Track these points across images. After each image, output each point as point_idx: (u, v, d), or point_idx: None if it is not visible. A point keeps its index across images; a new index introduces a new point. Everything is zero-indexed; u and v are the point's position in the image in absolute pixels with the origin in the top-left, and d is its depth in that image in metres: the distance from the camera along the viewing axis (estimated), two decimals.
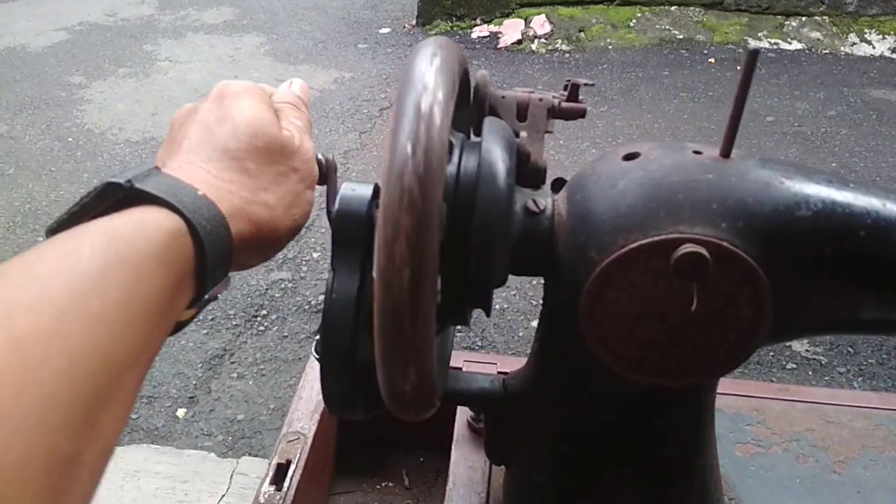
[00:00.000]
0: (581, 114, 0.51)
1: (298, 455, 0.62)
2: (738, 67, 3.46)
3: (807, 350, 1.97)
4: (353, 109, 3.06)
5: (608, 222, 0.42)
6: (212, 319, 1.95)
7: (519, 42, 3.62)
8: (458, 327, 1.89)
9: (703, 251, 0.39)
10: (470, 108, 0.49)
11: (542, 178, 0.48)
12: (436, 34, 3.73)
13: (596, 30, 3.69)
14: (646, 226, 0.41)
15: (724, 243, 0.40)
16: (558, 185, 0.49)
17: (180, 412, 1.68)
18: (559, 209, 0.45)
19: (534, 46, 3.61)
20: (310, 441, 0.63)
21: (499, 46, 3.62)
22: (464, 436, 0.65)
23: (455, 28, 3.78)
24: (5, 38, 3.80)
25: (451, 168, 0.42)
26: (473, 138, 0.47)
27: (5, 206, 2.43)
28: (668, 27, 3.71)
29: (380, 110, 3.06)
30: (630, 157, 0.44)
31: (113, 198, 0.37)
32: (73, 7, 4.25)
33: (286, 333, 1.88)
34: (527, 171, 0.47)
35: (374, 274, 0.36)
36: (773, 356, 1.94)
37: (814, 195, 0.42)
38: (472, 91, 0.50)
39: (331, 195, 0.47)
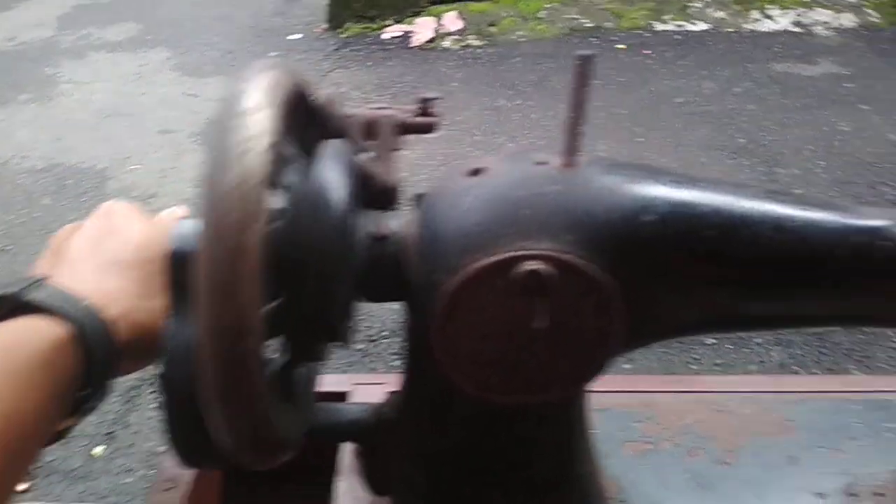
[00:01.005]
0: (429, 128, 0.49)
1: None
2: (647, 52, 3.53)
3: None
4: None
5: (453, 243, 0.40)
6: None
7: (432, 40, 3.61)
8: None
9: (544, 266, 0.38)
10: (315, 130, 0.48)
11: (393, 199, 0.47)
12: (347, 37, 3.70)
13: (507, 23, 3.70)
14: (490, 244, 0.39)
15: (569, 256, 0.39)
16: (419, 200, 0.48)
17: (97, 450, 1.62)
18: (409, 232, 0.43)
19: (446, 44, 3.61)
20: (184, 487, 0.60)
21: (411, 46, 3.60)
22: (349, 466, 0.63)
23: (366, 30, 3.74)
24: None
25: (286, 201, 0.40)
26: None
27: None
28: (576, 16, 3.75)
29: None
30: (475, 172, 0.43)
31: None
32: None
33: None
34: (375, 194, 0.45)
35: (196, 317, 0.34)
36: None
37: (660, 198, 0.41)
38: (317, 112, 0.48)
39: None
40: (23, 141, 2.93)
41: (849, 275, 0.42)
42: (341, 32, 3.73)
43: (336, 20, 3.76)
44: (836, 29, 3.77)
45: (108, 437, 1.65)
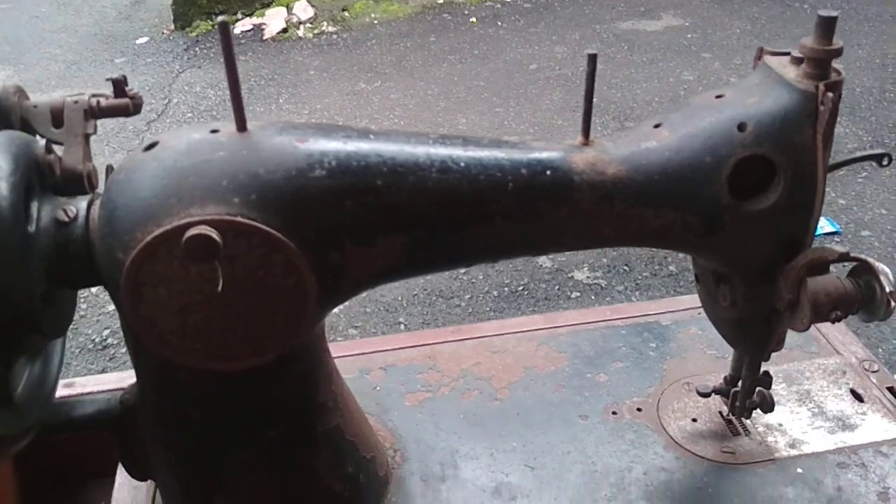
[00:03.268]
0: (126, 109, 0.49)
1: None
2: (499, 23, 3.59)
3: (587, 277, 2.09)
4: (117, 128, 2.89)
5: (127, 219, 0.41)
6: None
7: (284, 31, 3.55)
8: None
9: (210, 231, 0.39)
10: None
11: (88, 184, 0.46)
12: (197, 35, 3.59)
13: (359, 7, 3.69)
14: (160, 215, 0.40)
15: (238, 218, 0.40)
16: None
17: None
18: (93, 214, 0.43)
19: (300, 33, 3.56)
20: None
21: (264, 38, 3.54)
22: None
23: (216, 26, 3.65)
24: None
25: None
26: None
27: None
28: None
29: (147, 123, 2.91)
30: (149, 147, 0.43)
31: None
32: None
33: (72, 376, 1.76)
34: (61, 180, 0.45)
35: None
36: (558, 289, 2.04)
37: (330, 153, 0.42)
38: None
39: None
40: None
41: (520, 204, 0.44)
42: (190, 31, 3.63)
43: (183, 19, 3.65)
44: None
45: None
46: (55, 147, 0.46)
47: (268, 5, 3.69)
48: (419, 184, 0.43)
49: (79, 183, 0.45)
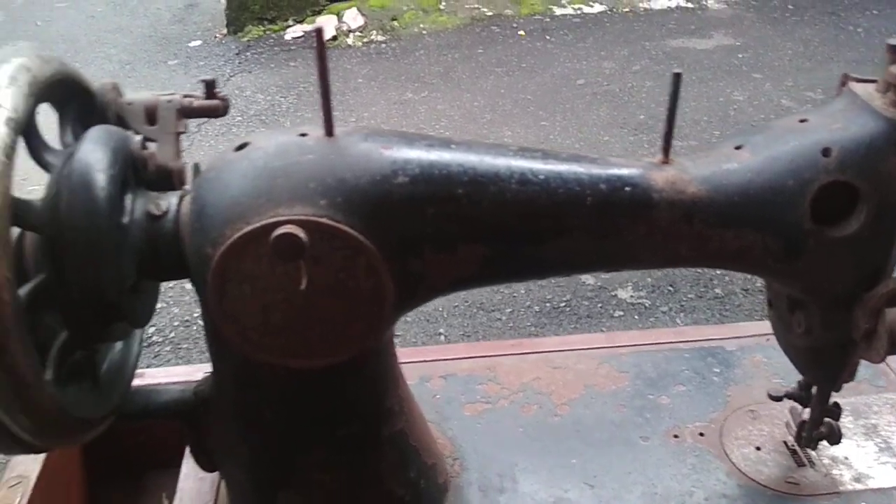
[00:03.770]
0: (216, 110, 0.50)
1: (18, 500, 0.59)
2: (548, 37, 3.59)
3: (631, 296, 2.07)
4: None
5: (216, 216, 0.42)
6: None
7: (334, 38, 3.59)
8: None
9: (297, 230, 0.39)
10: (94, 118, 0.48)
11: (178, 180, 0.48)
12: (248, 40, 3.65)
13: (408, 17, 3.72)
14: (248, 214, 0.41)
15: (324, 220, 0.40)
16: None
17: None
18: (184, 209, 0.44)
19: (349, 41, 3.60)
20: (32, 482, 0.60)
21: (314, 45, 3.58)
22: None
23: (268, 31, 3.71)
24: None
25: (50, 186, 0.42)
26: None
27: None
28: (476, 5, 3.79)
29: (197, 125, 2.96)
30: (240, 147, 0.44)
31: None
32: None
33: None
34: (154, 175, 0.46)
35: None
36: (601, 307, 2.03)
37: (413, 160, 0.43)
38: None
39: None
40: None
41: (599, 220, 0.44)
42: (242, 36, 3.69)
43: (236, 24, 3.71)
44: (727, 2, 3.90)
45: None
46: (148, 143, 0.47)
47: (319, 12, 3.74)
48: (499, 195, 0.43)
49: (169, 179, 0.46)
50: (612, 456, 0.59)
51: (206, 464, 0.54)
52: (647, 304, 2.05)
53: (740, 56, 3.36)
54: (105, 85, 0.48)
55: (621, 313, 2.02)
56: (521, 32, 3.61)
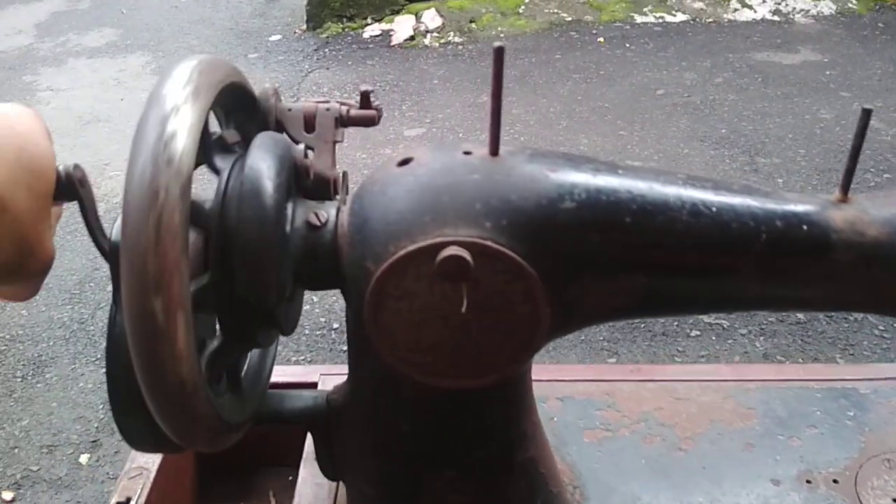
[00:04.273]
0: (371, 120, 0.50)
1: (139, 491, 0.59)
2: (627, 45, 3.54)
3: (709, 316, 2.02)
4: None
5: (380, 231, 0.41)
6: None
7: (412, 38, 3.61)
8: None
9: (464, 253, 0.39)
10: (255, 124, 0.48)
11: (333, 190, 0.47)
12: (327, 37, 3.69)
13: (486, 19, 3.71)
14: (413, 232, 0.40)
15: (489, 242, 0.39)
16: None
17: (83, 458, 1.62)
18: (342, 220, 0.44)
19: (427, 41, 3.61)
20: (153, 475, 0.60)
21: (392, 44, 3.61)
22: (313, 453, 0.64)
23: (346, 29, 3.74)
24: None
25: (219, 187, 0.41)
26: None
27: None
28: (556, 10, 3.76)
29: None
30: (403, 162, 0.43)
31: None
32: None
33: None
34: (312, 184, 0.46)
35: (122, 306, 0.35)
36: (677, 326, 1.98)
37: (579, 184, 0.42)
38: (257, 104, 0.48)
39: (88, 215, 0.42)
40: None
41: (771, 258, 0.42)
42: (321, 32, 3.73)
43: (315, 20, 3.76)
44: (815, 17, 3.78)
45: (94, 444, 1.65)
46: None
47: (397, 12, 3.76)
48: (668, 224, 0.41)
49: (327, 188, 0.46)
50: (742, 498, 0.57)
51: (330, 473, 0.54)
52: (724, 325, 1.99)
53: (828, 73, 3.26)
54: (267, 90, 0.48)
55: (698, 333, 1.97)
56: (601, 39, 3.56)
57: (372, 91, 0.49)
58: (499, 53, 0.40)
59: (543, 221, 0.41)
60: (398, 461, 0.49)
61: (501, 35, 3.63)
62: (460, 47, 3.57)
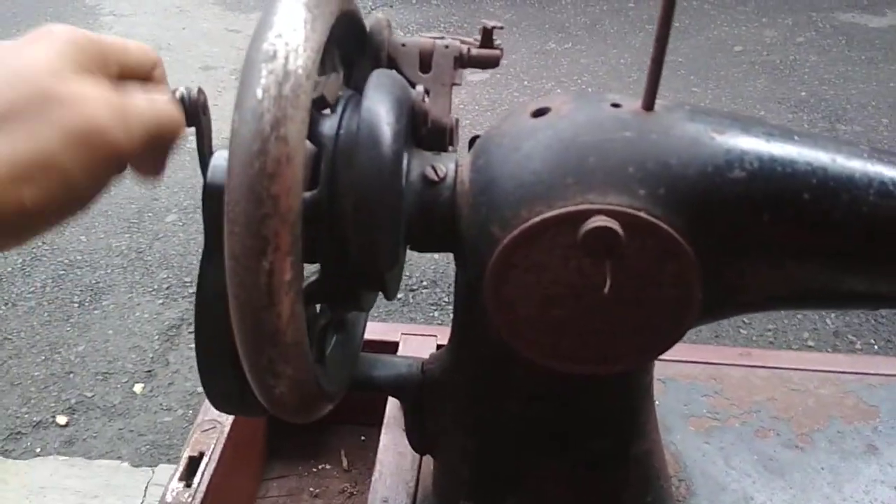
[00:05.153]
0: (494, 61, 0.44)
1: (213, 446, 0.56)
2: None
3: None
4: None
5: (511, 192, 0.36)
6: (167, 288, 1.88)
7: None
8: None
9: (615, 224, 0.33)
10: (365, 58, 0.43)
11: (448, 139, 0.42)
12: None
13: None
14: (551, 196, 0.35)
15: (642, 213, 0.34)
16: (475, 143, 0.43)
17: (137, 387, 1.63)
18: (462, 176, 0.38)
19: None
20: (227, 429, 0.57)
21: None
22: (395, 418, 0.60)
23: None
24: None
25: (330, 131, 0.36)
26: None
27: None
28: None
29: None
30: (539, 112, 0.38)
31: None
32: None
33: None
34: (428, 132, 0.40)
35: (226, 262, 0.30)
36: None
37: (750, 152, 0.35)
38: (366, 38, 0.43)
39: (203, 143, 0.38)
40: None
41: None
42: None
43: None
44: None
45: (148, 374, 1.65)
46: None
47: None
48: (852, 205, 0.35)
49: (443, 137, 0.40)
50: None
51: (419, 446, 0.50)
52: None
53: None
54: (380, 21, 0.42)
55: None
56: None
57: (499, 27, 0.43)
58: (669, 1, 0.34)
59: (707, 193, 0.35)
60: (501, 444, 0.44)
61: None
62: None
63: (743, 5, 3.29)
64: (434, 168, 0.38)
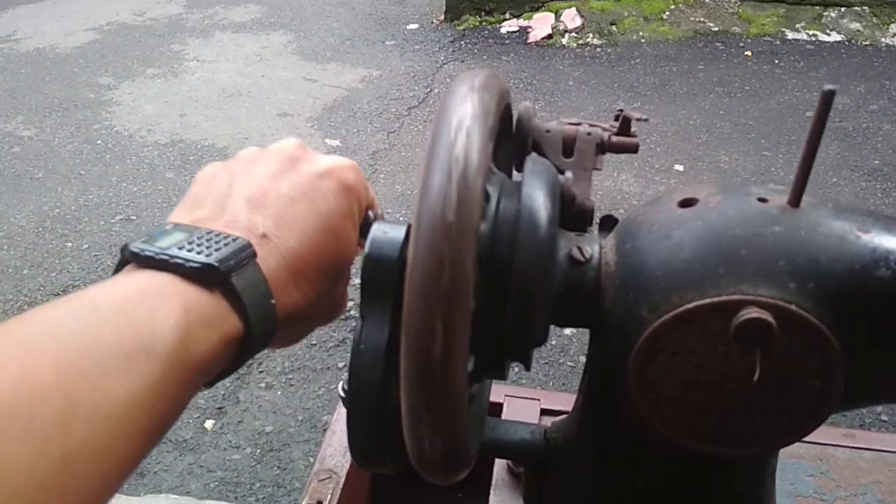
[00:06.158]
0: (633, 149, 0.46)
1: (330, 496, 0.58)
2: (776, 61, 3.37)
3: None
4: (380, 108, 3.02)
5: (661, 278, 0.37)
6: None
7: (549, 37, 3.55)
8: None
9: (769, 316, 0.35)
10: (511, 143, 0.46)
11: (588, 221, 0.44)
12: (464, 29, 3.68)
13: (628, 23, 3.61)
14: (704, 284, 0.36)
15: (792, 307, 0.35)
16: (607, 223, 0.45)
17: (208, 423, 1.67)
18: (607, 258, 0.41)
19: (564, 41, 3.54)
20: (342, 480, 0.59)
21: (529, 41, 3.56)
22: (503, 480, 0.61)
23: (484, 23, 3.72)
24: (34, 39, 3.83)
25: (489, 213, 0.39)
26: (515, 176, 0.43)
27: (34, 210, 2.43)
28: (702, 19, 3.62)
29: (408, 109, 3.02)
30: (687, 203, 0.40)
31: (206, 278, 0.35)
32: (102, 6, 4.26)
33: (314, 342, 1.86)
34: (571, 214, 0.43)
35: (403, 325, 0.33)
36: None
37: (895, 251, 0.37)
38: (513, 124, 0.46)
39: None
40: (149, 115, 3.05)
41: None
42: (458, 24, 3.72)
43: (453, 12, 3.76)
44: None
45: (219, 412, 1.69)
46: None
47: (537, 9, 3.71)
48: None
49: (584, 219, 0.43)
50: None
51: None
52: None
53: None
54: (528, 109, 0.45)
55: None
56: (748, 53, 3.41)
57: (644, 119, 0.45)
58: (828, 97, 0.36)
59: (854, 289, 0.36)
60: None
61: (642, 40, 3.52)
62: (598, 49, 3.49)
63: (815, 71, 3.28)
64: (580, 249, 0.40)
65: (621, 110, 0.47)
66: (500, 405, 0.66)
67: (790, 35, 3.56)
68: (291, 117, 2.99)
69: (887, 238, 0.37)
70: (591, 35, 3.55)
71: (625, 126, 0.46)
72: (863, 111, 2.99)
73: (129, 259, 0.35)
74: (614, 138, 0.45)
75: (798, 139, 2.78)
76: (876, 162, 2.67)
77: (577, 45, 3.53)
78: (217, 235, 0.37)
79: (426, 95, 3.12)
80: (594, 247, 0.41)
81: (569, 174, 0.42)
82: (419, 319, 0.33)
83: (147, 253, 0.34)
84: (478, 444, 0.44)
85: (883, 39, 3.58)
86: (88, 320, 0.30)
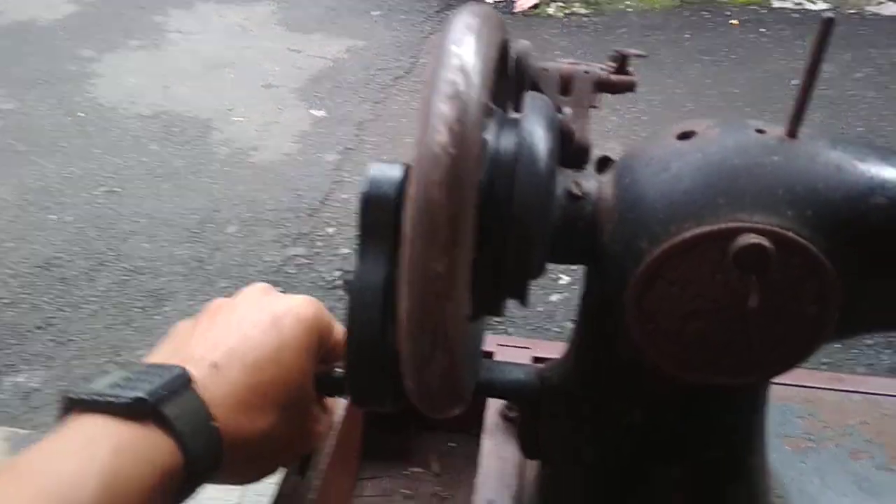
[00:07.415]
0: (630, 87, 0.47)
1: (325, 441, 0.59)
2: (762, 29, 3.37)
3: None
4: (366, 79, 3.00)
5: (660, 210, 0.38)
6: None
7: (535, 6, 3.53)
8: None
9: (766, 241, 0.35)
10: (509, 81, 0.46)
11: (586, 158, 0.44)
12: None
13: None
14: (702, 214, 0.37)
15: (790, 233, 0.36)
16: (603, 164, 0.45)
17: None
18: (605, 193, 0.41)
19: (550, 10, 3.53)
20: (338, 426, 0.60)
21: (514, 11, 3.54)
22: (495, 424, 0.62)
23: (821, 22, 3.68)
24: (15, 12, 3.75)
25: (489, 147, 0.39)
26: (511, 114, 0.43)
27: (17, 183, 2.41)
28: None
29: (394, 79, 3.00)
30: (685, 136, 0.40)
31: (137, 412, 0.36)
32: None
33: None
34: (570, 151, 0.43)
35: (403, 260, 0.33)
36: None
37: (891, 179, 0.37)
38: (512, 63, 0.46)
39: None
40: (132, 87, 3.01)
41: None
42: None
43: None
44: None
45: None
46: None
47: None
48: None
49: (582, 156, 0.43)
50: None
51: (532, 452, 0.52)
52: None
53: None
54: (527, 48, 0.45)
55: None
56: (734, 21, 3.41)
57: (642, 55, 0.46)
58: (827, 25, 0.36)
59: (851, 217, 0.37)
60: (621, 452, 0.46)
61: (629, 9, 3.51)
62: (585, 19, 3.48)
63: (801, 39, 3.29)
64: (578, 184, 0.41)
65: (617, 51, 0.47)
66: (492, 354, 0.66)
67: (776, 3, 3.56)
68: (276, 88, 2.97)
69: (883, 167, 0.38)
70: (577, 5, 3.54)
71: (622, 65, 0.46)
72: (848, 79, 3.00)
73: (69, 406, 0.37)
74: (612, 76, 0.46)
75: (783, 107, 2.76)
76: (860, 129, 2.68)
77: (564, 14, 3.51)
78: (155, 368, 0.39)
79: (412, 65, 3.10)
80: (591, 182, 0.41)
81: (567, 111, 0.42)
82: (420, 250, 0.33)
83: (81, 397, 0.36)
84: (473, 382, 0.45)
85: (868, 7, 3.59)
86: (26, 492, 0.32)
